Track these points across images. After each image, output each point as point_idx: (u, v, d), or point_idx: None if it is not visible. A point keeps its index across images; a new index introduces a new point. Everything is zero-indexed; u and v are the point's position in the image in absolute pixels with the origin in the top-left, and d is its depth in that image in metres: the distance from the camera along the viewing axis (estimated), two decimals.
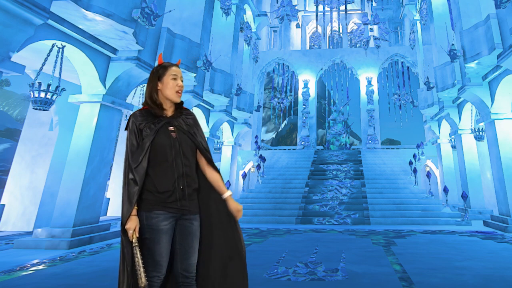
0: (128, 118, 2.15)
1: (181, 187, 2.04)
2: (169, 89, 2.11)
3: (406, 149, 17.99)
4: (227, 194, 2.18)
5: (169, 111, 2.16)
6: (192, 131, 2.16)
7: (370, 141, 18.22)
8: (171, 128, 2.11)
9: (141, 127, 2.04)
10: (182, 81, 2.17)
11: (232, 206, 2.16)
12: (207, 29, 11.93)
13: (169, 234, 1.99)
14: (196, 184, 2.14)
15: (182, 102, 2.23)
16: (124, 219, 1.93)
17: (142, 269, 1.87)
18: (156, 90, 2.12)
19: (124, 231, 1.94)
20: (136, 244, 1.91)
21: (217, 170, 2.23)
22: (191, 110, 2.27)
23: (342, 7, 20.93)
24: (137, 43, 7.27)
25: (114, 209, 13.31)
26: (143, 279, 1.84)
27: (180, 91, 2.14)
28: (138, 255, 1.90)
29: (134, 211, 1.94)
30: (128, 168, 1.98)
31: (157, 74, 2.13)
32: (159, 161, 2.02)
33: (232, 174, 15.68)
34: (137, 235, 1.94)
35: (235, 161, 16.12)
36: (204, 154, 2.19)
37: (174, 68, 2.15)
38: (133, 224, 1.92)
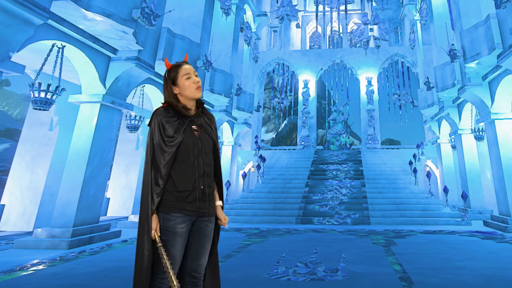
0: (152, 114, 2.12)
1: (201, 187, 2.01)
2: (187, 89, 2.06)
3: (406, 149, 17.98)
4: (220, 202, 2.20)
5: (192, 110, 2.12)
6: (209, 130, 2.15)
7: (370, 141, 18.21)
8: (194, 127, 2.08)
9: (165, 124, 2.00)
10: (196, 75, 2.11)
11: (222, 214, 2.19)
12: (207, 29, 11.92)
13: (184, 238, 1.96)
14: (214, 185, 2.14)
15: (202, 102, 2.20)
16: (145, 219, 1.90)
17: (171, 272, 1.80)
18: (173, 94, 2.07)
19: (143, 231, 1.90)
20: (160, 244, 1.86)
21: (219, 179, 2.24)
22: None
23: (342, 7, 20.92)
24: (137, 43, 7.27)
25: (114, 209, 13.31)
26: (175, 283, 1.78)
27: (199, 87, 2.08)
28: (165, 257, 1.82)
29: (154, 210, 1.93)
30: (152, 165, 1.95)
31: (170, 78, 2.07)
32: (181, 160, 1.99)
33: (232, 174, 15.67)
34: (159, 234, 1.89)
35: (235, 161, 16.11)
36: (218, 158, 2.19)
37: (184, 67, 2.09)
38: (154, 223, 1.90)
